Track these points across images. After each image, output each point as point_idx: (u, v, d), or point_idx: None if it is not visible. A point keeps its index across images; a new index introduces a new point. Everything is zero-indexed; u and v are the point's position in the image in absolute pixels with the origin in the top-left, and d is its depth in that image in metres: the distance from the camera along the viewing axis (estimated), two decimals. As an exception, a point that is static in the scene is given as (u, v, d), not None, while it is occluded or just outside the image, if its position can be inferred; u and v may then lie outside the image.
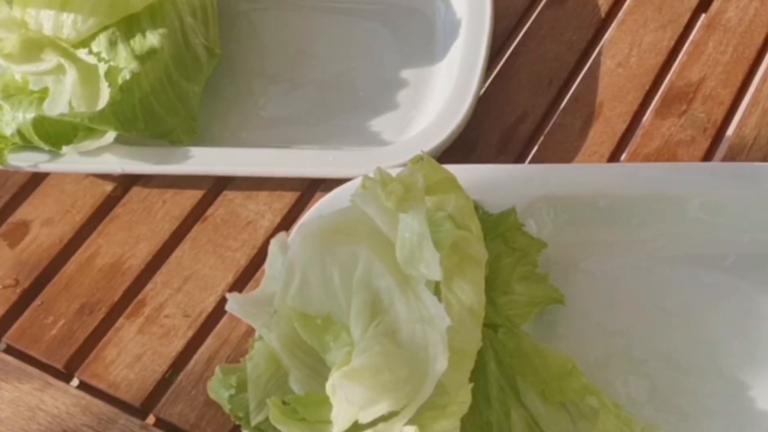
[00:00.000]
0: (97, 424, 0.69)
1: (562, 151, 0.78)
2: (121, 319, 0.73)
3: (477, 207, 0.68)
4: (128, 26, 0.77)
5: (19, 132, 0.77)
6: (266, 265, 0.65)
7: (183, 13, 0.80)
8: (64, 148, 0.77)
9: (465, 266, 0.61)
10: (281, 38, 0.87)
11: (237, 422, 0.63)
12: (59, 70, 0.76)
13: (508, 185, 0.71)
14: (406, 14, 0.87)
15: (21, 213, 0.79)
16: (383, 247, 0.61)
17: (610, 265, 0.70)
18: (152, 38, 0.77)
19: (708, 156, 0.77)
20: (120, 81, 0.75)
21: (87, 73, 0.76)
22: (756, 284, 0.69)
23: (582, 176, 0.72)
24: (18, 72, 0.78)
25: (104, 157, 0.78)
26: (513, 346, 0.64)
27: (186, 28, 0.80)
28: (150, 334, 0.72)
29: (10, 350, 0.73)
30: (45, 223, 0.78)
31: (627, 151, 0.79)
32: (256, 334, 0.63)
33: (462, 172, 0.67)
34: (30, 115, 0.76)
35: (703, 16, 0.85)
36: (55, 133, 0.77)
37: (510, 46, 0.85)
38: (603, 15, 0.86)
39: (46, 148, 0.77)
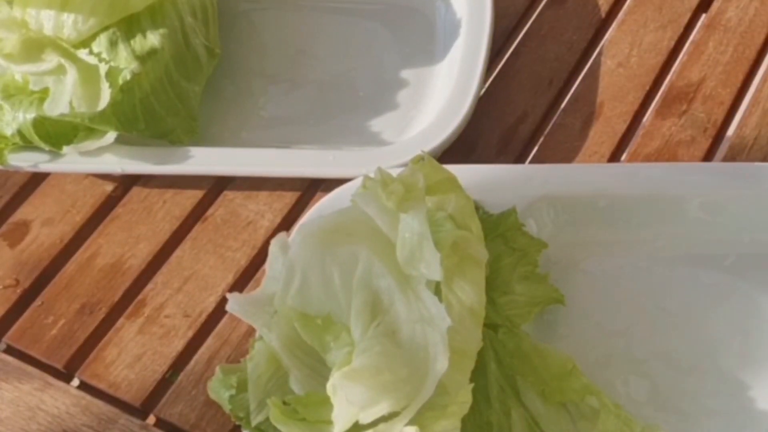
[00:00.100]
0: (97, 424, 0.69)
1: (562, 151, 0.78)
2: (121, 319, 0.73)
3: (477, 207, 0.68)
4: (129, 26, 0.77)
5: (20, 132, 0.77)
6: (266, 265, 0.65)
7: (183, 13, 0.80)
8: (65, 148, 0.77)
9: (465, 266, 0.61)
10: (281, 38, 0.87)
11: (237, 422, 0.63)
12: (60, 70, 0.76)
13: (508, 185, 0.71)
14: (406, 14, 0.87)
15: (21, 213, 0.79)
16: (383, 247, 0.61)
17: (610, 265, 0.70)
18: (152, 38, 0.77)
19: (708, 156, 0.77)
20: (120, 81, 0.75)
21: (87, 74, 0.76)
22: (756, 284, 0.69)
23: (582, 176, 0.72)
24: (18, 72, 0.78)
25: (104, 157, 0.78)
26: (513, 346, 0.64)
27: (186, 28, 0.80)
28: (150, 334, 0.72)
29: (10, 350, 0.73)
30: (45, 223, 0.78)
31: (627, 151, 0.79)
32: (257, 334, 0.63)
33: (462, 172, 0.67)
34: (30, 115, 0.76)
35: (703, 16, 0.85)
36: (56, 133, 0.77)
37: (510, 46, 0.84)
38: (603, 15, 0.86)
39: (47, 148, 0.77)
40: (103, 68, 0.75)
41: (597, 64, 0.83)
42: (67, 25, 0.76)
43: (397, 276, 0.60)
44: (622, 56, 0.83)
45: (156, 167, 0.78)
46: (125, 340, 0.72)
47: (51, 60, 0.76)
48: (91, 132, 0.77)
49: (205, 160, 0.77)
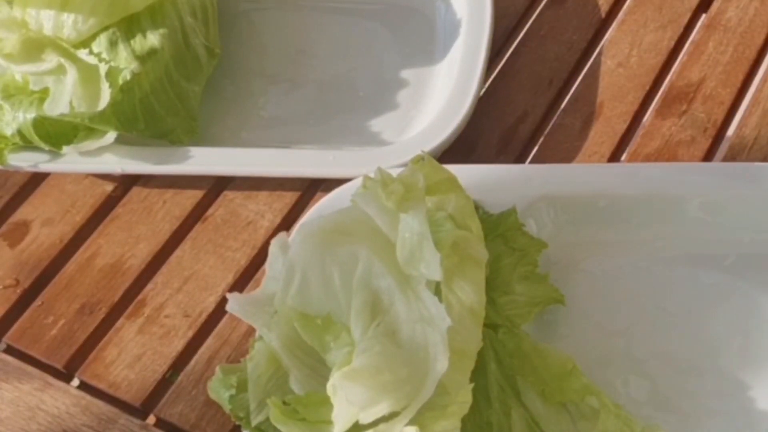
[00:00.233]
0: (97, 424, 0.69)
1: (562, 151, 0.78)
2: (121, 319, 0.73)
3: (477, 207, 0.68)
4: (128, 26, 0.77)
5: (20, 132, 0.77)
6: (266, 265, 0.65)
7: (183, 13, 0.80)
8: (65, 148, 0.77)
9: (465, 266, 0.61)
10: (281, 38, 0.87)
11: (237, 422, 0.63)
12: (60, 70, 0.76)
13: (508, 185, 0.71)
14: (406, 14, 0.87)
15: (21, 213, 0.79)
16: (383, 247, 0.61)
17: (610, 265, 0.70)
18: (152, 38, 0.77)
19: (708, 156, 0.77)
20: (120, 81, 0.75)
21: (87, 74, 0.76)
22: (756, 284, 0.69)
23: (582, 176, 0.72)
24: (18, 72, 0.78)
25: (104, 157, 0.78)
26: (513, 346, 0.64)
27: (186, 28, 0.80)
28: (150, 334, 0.72)
29: (10, 350, 0.73)
30: (45, 223, 0.78)
31: (627, 151, 0.79)
32: (257, 334, 0.63)
33: (462, 172, 0.67)
34: (30, 115, 0.76)
35: (703, 16, 0.85)
36: (56, 133, 0.77)
37: (510, 46, 0.84)
38: (603, 15, 0.86)
39: (47, 148, 0.77)
40: (103, 68, 0.75)
41: (597, 64, 0.83)
42: (67, 25, 0.76)
43: (397, 276, 0.60)
44: (622, 56, 0.83)
45: (156, 167, 0.78)
46: (125, 340, 0.72)
47: (51, 60, 0.76)
48: (91, 132, 0.77)
49: (205, 160, 0.77)
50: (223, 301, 0.65)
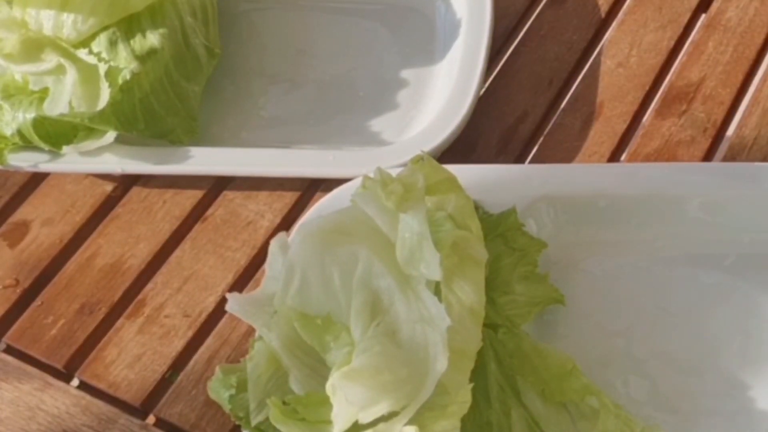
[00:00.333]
0: (97, 424, 0.69)
1: (562, 151, 0.78)
2: (121, 319, 0.73)
3: (477, 207, 0.68)
4: (128, 26, 0.77)
5: (19, 132, 0.77)
6: (266, 265, 0.65)
7: (183, 13, 0.80)
8: (64, 148, 0.77)
9: (465, 266, 0.61)
10: (281, 38, 0.87)
11: (237, 422, 0.63)
12: (59, 70, 0.76)
13: (508, 185, 0.71)
14: (406, 14, 0.87)
15: (21, 213, 0.79)
16: (383, 247, 0.61)
17: (610, 265, 0.70)
18: (152, 38, 0.77)
19: (708, 156, 0.77)
20: (120, 81, 0.75)
21: (87, 73, 0.76)
22: (756, 284, 0.69)
23: (582, 176, 0.72)
24: (18, 72, 0.78)
25: (104, 157, 0.78)
26: (513, 346, 0.64)
27: (186, 28, 0.80)
28: (150, 334, 0.72)
29: (10, 350, 0.73)
30: (45, 223, 0.78)
31: (627, 151, 0.79)
32: (256, 334, 0.63)
33: (462, 172, 0.67)
34: (30, 115, 0.76)
35: (703, 16, 0.85)
36: (55, 133, 0.77)
37: (510, 46, 0.85)
38: (603, 15, 0.86)
39: (46, 148, 0.77)
40: (102, 68, 0.75)
41: (597, 64, 0.83)
42: (67, 25, 0.76)
43: (397, 276, 0.60)
44: (622, 56, 0.83)
45: (156, 167, 0.78)
46: (125, 340, 0.72)
47: (51, 60, 0.76)
48: (90, 132, 0.77)
49: (205, 160, 0.77)
50: (223, 301, 0.65)
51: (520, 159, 0.78)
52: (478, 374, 0.61)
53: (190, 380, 0.70)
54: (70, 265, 0.76)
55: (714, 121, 0.78)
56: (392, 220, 0.61)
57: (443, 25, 0.85)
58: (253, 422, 0.61)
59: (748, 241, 0.70)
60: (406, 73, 0.83)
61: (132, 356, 0.71)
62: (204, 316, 0.73)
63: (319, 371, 0.60)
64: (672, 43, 0.83)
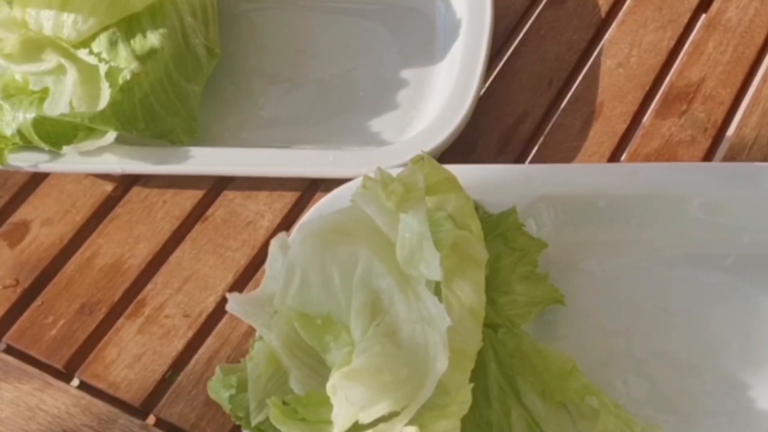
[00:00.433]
0: (97, 424, 0.69)
1: (562, 151, 0.78)
2: (121, 319, 0.73)
3: (477, 207, 0.68)
4: (128, 26, 0.77)
5: (20, 132, 0.77)
6: (266, 265, 0.65)
7: (183, 13, 0.80)
8: (65, 148, 0.77)
9: (465, 266, 0.61)
10: (281, 38, 0.87)
11: (237, 422, 0.63)
12: (59, 70, 0.76)
13: (508, 185, 0.71)
14: (406, 14, 0.87)
15: (21, 213, 0.79)
16: (383, 247, 0.61)
17: (610, 265, 0.70)
18: (152, 38, 0.77)
19: (708, 156, 0.77)
20: (120, 81, 0.75)
21: (87, 73, 0.76)
22: (756, 284, 0.69)
23: (582, 176, 0.72)
24: (18, 72, 0.78)
25: (104, 157, 0.78)
26: (513, 346, 0.64)
27: (186, 28, 0.80)
28: (150, 334, 0.72)
29: (10, 350, 0.73)
30: (45, 223, 0.78)
31: (627, 151, 0.79)
32: (257, 334, 0.63)
33: (462, 172, 0.67)
34: (30, 115, 0.76)
35: (703, 16, 0.85)
36: (56, 133, 0.77)
37: (510, 46, 0.85)
38: (603, 15, 0.86)
39: (47, 148, 0.77)
40: (102, 68, 0.75)
41: (597, 64, 0.83)
42: (67, 25, 0.76)
43: (397, 276, 0.60)
44: (622, 56, 0.83)
45: (156, 167, 0.78)
46: (125, 340, 0.72)
47: (51, 60, 0.76)
48: (91, 132, 0.77)
49: (205, 160, 0.77)
50: (223, 301, 0.65)
51: (520, 159, 0.78)
52: (478, 374, 0.61)
53: (190, 380, 0.70)
54: (70, 265, 0.76)
55: (714, 121, 0.78)
56: (392, 220, 0.61)
57: (443, 25, 0.85)
58: (253, 422, 0.61)
59: (748, 241, 0.70)
60: (406, 73, 0.83)
61: (132, 356, 0.71)
62: (204, 316, 0.73)
63: (319, 371, 0.60)
64: (672, 43, 0.83)
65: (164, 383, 0.70)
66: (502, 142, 0.79)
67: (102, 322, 0.73)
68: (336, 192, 0.72)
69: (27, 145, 0.78)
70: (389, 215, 0.61)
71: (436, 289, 0.60)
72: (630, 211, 0.71)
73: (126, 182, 0.80)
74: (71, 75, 0.75)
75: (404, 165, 0.67)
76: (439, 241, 0.60)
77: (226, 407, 0.62)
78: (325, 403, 0.58)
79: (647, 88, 0.81)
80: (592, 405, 0.62)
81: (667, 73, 0.82)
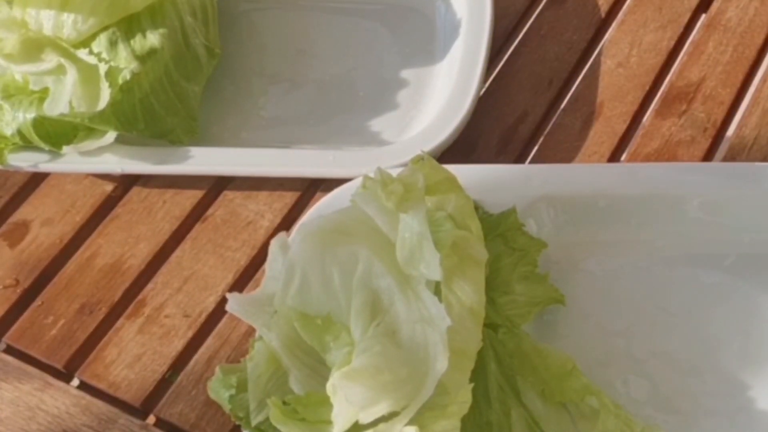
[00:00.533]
0: (97, 424, 0.69)
1: (562, 151, 0.78)
2: (121, 319, 0.73)
3: (477, 207, 0.68)
4: (128, 26, 0.77)
5: (20, 132, 0.77)
6: (266, 265, 0.65)
7: (183, 13, 0.80)
8: (64, 148, 0.77)
9: (465, 266, 0.61)
10: (281, 38, 0.87)
11: (237, 422, 0.63)
12: (59, 70, 0.76)
13: (508, 185, 0.71)
14: (406, 14, 0.87)
15: (21, 213, 0.79)
16: (383, 247, 0.61)
17: (610, 265, 0.70)
18: (152, 38, 0.77)
19: (708, 156, 0.77)
20: (120, 81, 0.75)
21: (87, 73, 0.76)
22: (756, 284, 0.69)
23: (582, 176, 0.72)
24: (18, 72, 0.78)
25: (104, 157, 0.78)
26: (513, 346, 0.64)
27: (186, 28, 0.80)
28: (150, 334, 0.72)
29: (10, 350, 0.73)
30: (45, 223, 0.78)
31: (627, 151, 0.79)
32: (257, 334, 0.63)
33: (462, 172, 0.67)
34: (30, 115, 0.76)
35: (703, 16, 0.85)
36: (55, 133, 0.77)
37: (510, 46, 0.85)
38: (603, 15, 0.86)
39: (46, 148, 0.77)
40: (102, 68, 0.75)
41: (597, 64, 0.83)
42: (67, 25, 0.76)
43: (397, 276, 0.60)
44: (622, 56, 0.83)
45: (156, 167, 0.78)
46: (125, 340, 0.72)
47: (51, 60, 0.76)
48: (90, 132, 0.77)
49: (205, 160, 0.77)
50: (223, 301, 0.65)
51: (520, 159, 0.78)
52: (478, 374, 0.61)
53: (190, 380, 0.70)
54: (70, 265, 0.76)
55: (714, 121, 0.78)
56: (392, 220, 0.61)
57: (443, 25, 0.85)
58: (253, 422, 0.61)
59: (748, 241, 0.70)
60: (406, 73, 0.83)
61: (132, 356, 0.71)
62: (204, 316, 0.73)
63: (319, 371, 0.60)
64: (672, 43, 0.83)
65: (164, 383, 0.70)
66: (502, 142, 0.79)
67: (102, 322, 0.73)
68: (336, 192, 0.72)
69: (27, 145, 0.78)
70: (389, 215, 0.61)
71: (436, 289, 0.60)
72: (630, 211, 0.71)
73: (126, 182, 0.80)
74: (71, 75, 0.75)
75: (404, 165, 0.67)
76: (439, 241, 0.60)
77: (226, 407, 0.62)
78: (325, 403, 0.58)
79: (647, 88, 0.81)
80: (592, 405, 0.62)
81: (667, 73, 0.82)
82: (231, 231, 0.77)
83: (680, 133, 0.78)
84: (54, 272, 0.76)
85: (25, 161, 0.78)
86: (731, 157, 0.77)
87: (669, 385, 0.66)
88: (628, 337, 0.68)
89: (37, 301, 0.75)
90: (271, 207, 0.77)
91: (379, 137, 0.80)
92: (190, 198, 0.79)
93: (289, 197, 0.78)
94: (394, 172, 0.64)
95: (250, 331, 0.71)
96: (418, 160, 0.66)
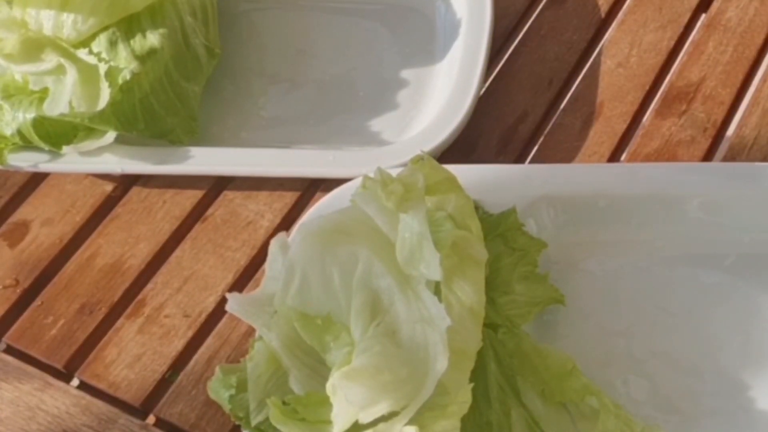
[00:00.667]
0: (97, 424, 0.69)
1: (562, 151, 0.78)
2: (121, 319, 0.73)
3: (477, 207, 0.68)
4: (128, 26, 0.77)
5: (19, 132, 0.77)
6: (266, 265, 0.65)
7: (183, 13, 0.80)
8: (64, 148, 0.77)
9: (465, 266, 0.61)
10: (281, 38, 0.87)
11: (237, 422, 0.63)
12: (59, 70, 0.76)
13: (508, 185, 0.71)
14: (406, 14, 0.87)
15: (21, 213, 0.79)
16: (383, 247, 0.61)
17: (610, 265, 0.70)
18: (152, 38, 0.77)
19: (708, 156, 0.77)
20: (120, 81, 0.75)
21: (87, 73, 0.76)
22: (756, 284, 0.69)
23: (582, 176, 0.72)
24: (18, 72, 0.78)
25: (104, 157, 0.78)
26: (513, 346, 0.64)
27: (186, 28, 0.80)
28: (150, 334, 0.72)
29: (10, 350, 0.73)
30: (45, 223, 0.78)
31: (627, 151, 0.79)
32: (256, 334, 0.63)
33: (462, 172, 0.67)
34: (30, 115, 0.76)
35: (703, 16, 0.85)
36: (55, 133, 0.77)
37: (510, 46, 0.85)
38: (603, 15, 0.86)
39: (46, 148, 0.77)
40: (102, 68, 0.75)
41: (597, 64, 0.83)
42: (67, 25, 0.76)
43: (397, 276, 0.60)
44: (622, 56, 0.83)
45: (156, 167, 0.78)
46: (125, 340, 0.72)
47: (51, 60, 0.76)
48: (90, 132, 0.77)
49: (205, 160, 0.77)
50: (223, 301, 0.65)
51: (520, 159, 0.78)
52: (478, 374, 0.61)
53: (190, 380, 0.70)
54: (70, 265, 0.76)
55: (714, 121, 0.78)
56: (392, 220, 0.61)
57: (443, 25, 0.85)
58: (253, 422, 0.61)
59: (748, 241, 0.70)
60: (406, 73, 0.83)
61: (132, 356, 0.71)
62: (204, 316, 0.73)
63: (319, 371, 0.60)
64: (672, 43, 0.83)
65: (164, 383, 0.70)
66: (502, 142, 0.79)
67: (102, 322, 0.73)
68: (336, 192, 0.72)
69: (27, 145, 0.78)
70: (389, 215, 0.61)
71: (436, 289, 0.60)
72: (630, 211, 0.71)
73: (126, 182, 0.80)
74: (71, 75, 0.75)
75: (404, 165, 0.67)
76: (439, 241, 0.61)
77: (226, 407, 0.62)
78: (325, 403, 0.58)
79: (647, 88, 0.81)
80: (592, 405, 0.62)
81: (667, 73, 0.82)
82: (231, 231, 0.77)
83: (680, 133, 0.78)
84: (54, 272, 0.76)
85: (25, 161, 0.78)
86: (731, 157, 0.77)
87: (669, 385, 0.66)
88: (628, 337, 0.68)
89: (37, 301, 0.75)
90: (271, 207, 0.77)
91: (379, 137, 0.80)
92: (190, 198, 0.79)
93: (289, 197, 0.78)
94: (394, 172, 0.64)
95: (250, 331, 0.71)
96: (418, 160, 0.66)
